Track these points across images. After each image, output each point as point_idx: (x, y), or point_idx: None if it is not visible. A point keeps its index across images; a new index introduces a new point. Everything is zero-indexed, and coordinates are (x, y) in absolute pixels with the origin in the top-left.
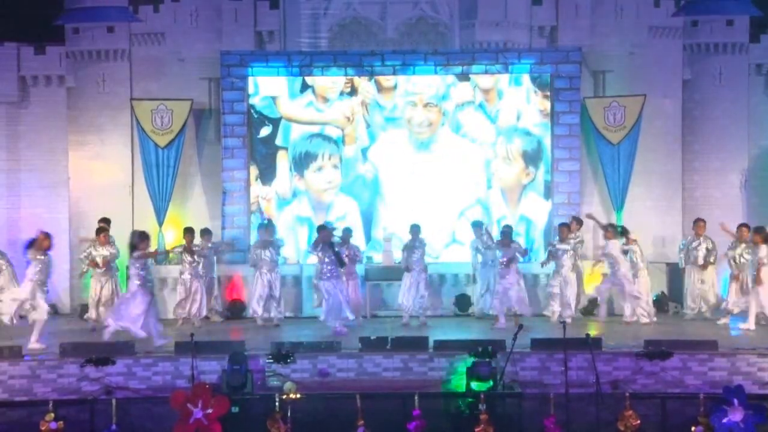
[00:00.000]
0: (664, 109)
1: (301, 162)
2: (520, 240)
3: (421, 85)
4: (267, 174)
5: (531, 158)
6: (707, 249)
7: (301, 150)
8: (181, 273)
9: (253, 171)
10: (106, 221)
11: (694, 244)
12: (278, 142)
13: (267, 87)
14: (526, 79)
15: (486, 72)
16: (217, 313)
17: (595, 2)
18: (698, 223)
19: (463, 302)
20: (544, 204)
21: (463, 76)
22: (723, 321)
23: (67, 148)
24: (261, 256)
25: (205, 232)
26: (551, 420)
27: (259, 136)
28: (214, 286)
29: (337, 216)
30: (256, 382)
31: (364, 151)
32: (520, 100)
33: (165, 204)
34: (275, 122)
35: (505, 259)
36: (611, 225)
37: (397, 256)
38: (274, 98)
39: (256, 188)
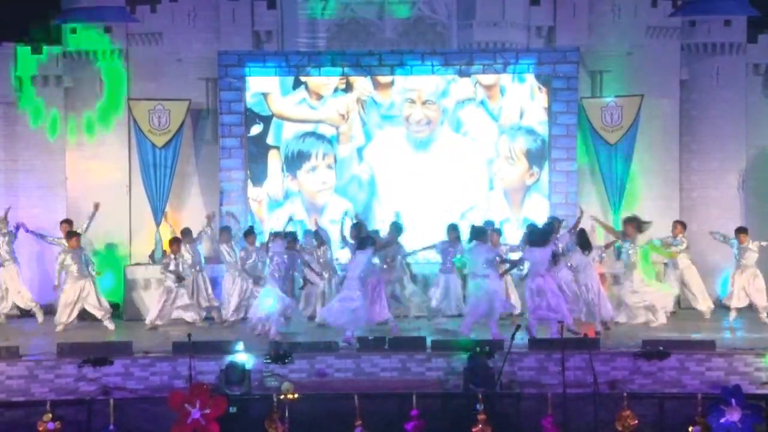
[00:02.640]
0: (661, 109)
1: (294, 162)
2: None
3: (420, 81)
4: (258, 174)
5: (535, 158)
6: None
7: (294, 149)
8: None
9: None
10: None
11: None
12: (269, 141)
13: (258, 83)
14: (529, 75)
15: (483, 72)
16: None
17: (593, 2)
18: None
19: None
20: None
21: (464, 72)
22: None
23: (64, 148)
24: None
25: (225, 230)
26: (549, 420)
27: (249, 135)
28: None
29: (331, 219)
30: (253, 383)
31: (359, 151)
32: (523, 97)
33: (162, 204)
34: (266, 120)
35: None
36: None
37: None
38: (265, 95)
39: (247, 189)
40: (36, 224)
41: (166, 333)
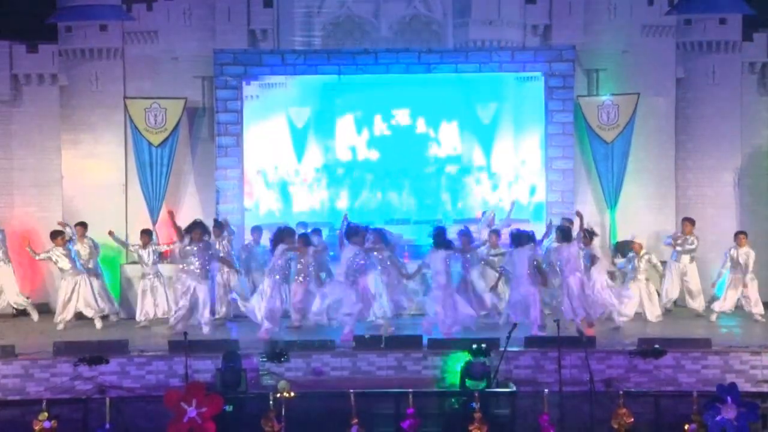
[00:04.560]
0: (657, 108)
1: None
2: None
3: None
4: None
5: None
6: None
7: None
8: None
9: None
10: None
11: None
12: None
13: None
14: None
15: (479, 71)
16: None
17: (589, 1)
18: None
19: None
20: None
21: (460, 71)
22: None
23: (60, 146)
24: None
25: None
26: (545, 418)
27: None
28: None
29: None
30: (250, 381)
31: (352, 149)
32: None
33: (159, 203)
34: None
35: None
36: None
37: None
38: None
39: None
40: (31, 223)
41: (162, 332)
